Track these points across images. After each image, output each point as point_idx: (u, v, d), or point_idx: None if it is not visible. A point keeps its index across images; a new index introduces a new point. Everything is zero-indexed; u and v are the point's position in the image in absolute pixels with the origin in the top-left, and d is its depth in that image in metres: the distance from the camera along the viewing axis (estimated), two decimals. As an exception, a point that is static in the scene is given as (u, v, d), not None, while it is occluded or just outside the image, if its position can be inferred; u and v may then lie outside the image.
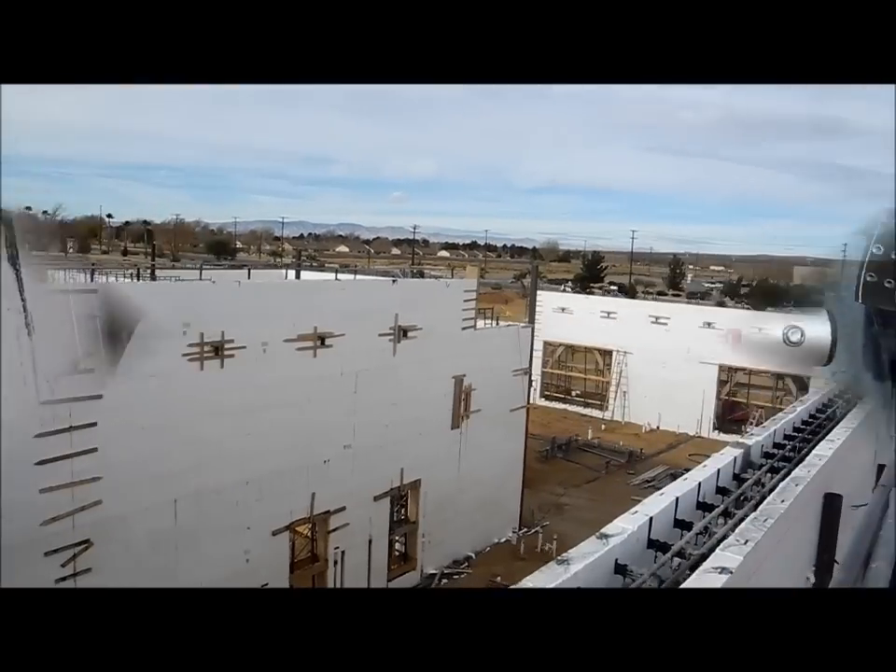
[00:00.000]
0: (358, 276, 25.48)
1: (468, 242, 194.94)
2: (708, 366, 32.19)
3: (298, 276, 24.80)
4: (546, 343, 36.37)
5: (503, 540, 20.14)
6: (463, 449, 18.56)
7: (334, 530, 15.35)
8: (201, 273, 20.46)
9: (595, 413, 35.65)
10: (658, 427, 32.86)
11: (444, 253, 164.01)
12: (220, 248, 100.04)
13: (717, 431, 30.84)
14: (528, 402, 21.66)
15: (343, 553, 15.55)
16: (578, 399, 37.37)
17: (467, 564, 18.55)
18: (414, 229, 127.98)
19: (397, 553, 17.96)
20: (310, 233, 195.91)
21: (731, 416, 32.49)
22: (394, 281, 17.75)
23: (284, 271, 27.90)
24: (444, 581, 17.72)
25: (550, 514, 21.89)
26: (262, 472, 13.52)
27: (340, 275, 23.45)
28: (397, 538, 17.89)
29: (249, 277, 21.38)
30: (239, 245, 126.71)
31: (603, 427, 33.17)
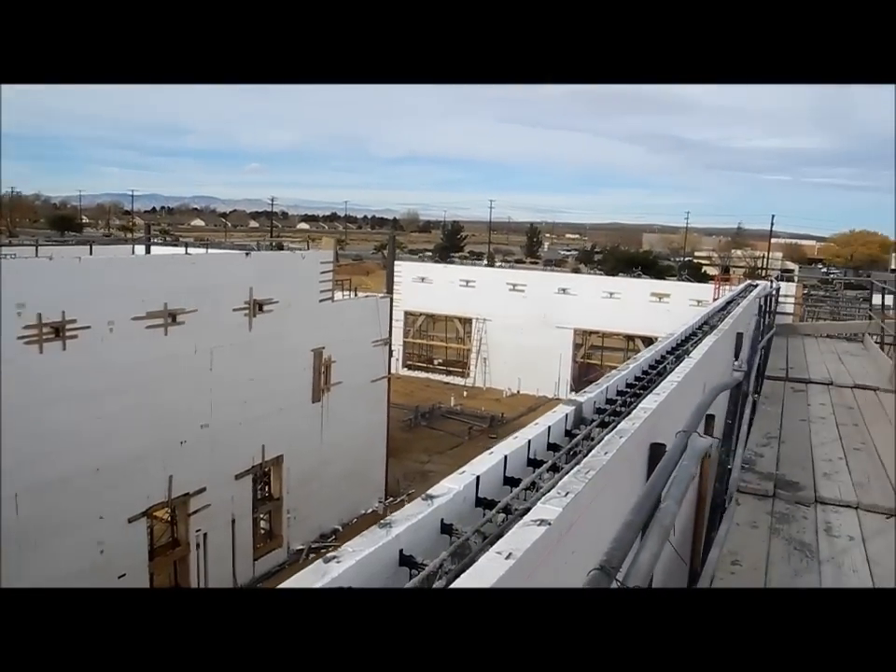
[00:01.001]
0: (211, 250, 24.63)
1: (327, 213, 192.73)
2: (564, 330, 33.38)
3: (148, 251, 23.67)
4: (407, 313, 36.61)
5: (370, 511, 20.22)
6: (325, 422, 18.44)
7: (195, 512, 14.94)
8: (37, 250, 19.18)
9: (458, 380, 36.21)
10: (518, 392, 33.79)
11: (304, 225, 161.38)
12: (64, 223, 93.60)
13: (574, 393, 31.97)
14: (390, 372, 21.74)
15: (205, 535, 15.16)
16: (440, 367, 37.85)
17: (334, 537, 18.52)
18: (272, 201, 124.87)
19: (262, 532, 17.71)
20: (163, 207, 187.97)
21: (587, 378, 33.80)
22: (247, 254, 17.27)
23: (131, 246, 26.59)
24: (312, 555, 17.64)
25: (415, 482, 22.12)
26: (114, 458, 12.94)
27: (192, 249, 22.59)
28: (261, 515, 17.63)
29: (91, 253, 20.21)
30: (85, 219, 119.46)
31: (465, 393, 33.74)
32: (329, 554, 1.93)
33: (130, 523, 13.42)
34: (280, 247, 33.90)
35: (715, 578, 4.71)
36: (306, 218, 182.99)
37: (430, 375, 37.00)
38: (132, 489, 13.39)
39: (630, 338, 33.37)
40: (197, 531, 15.01)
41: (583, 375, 34.02)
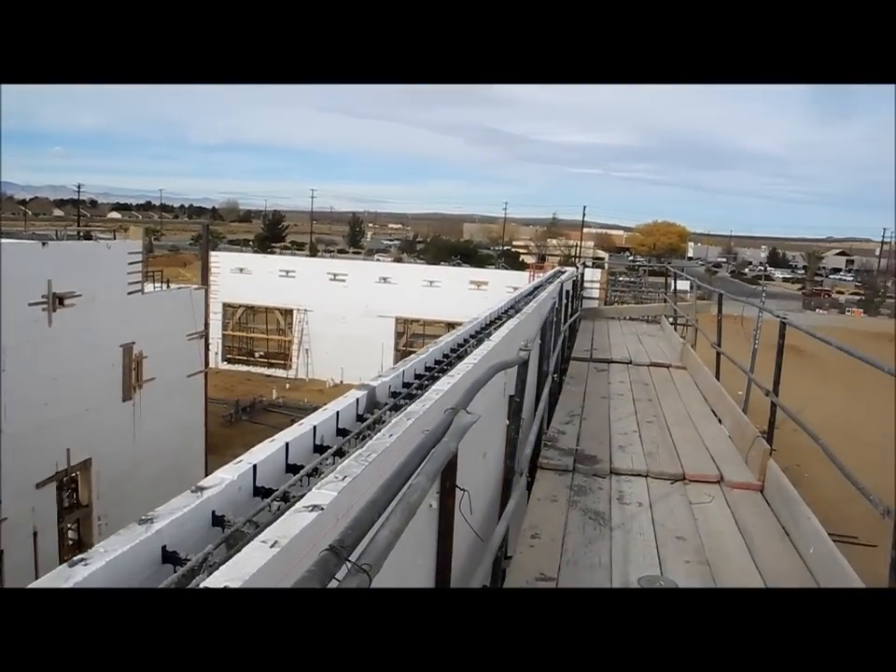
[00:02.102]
0: (4, 240, 22.73)
1: (142, 202, 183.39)
2: (386, 319, 33.61)
3: (-73, 244, 21.52)
4: (226, 305, 35.58)
5: (189, 511, 19.48)
6: (137, 421, 17.54)
7: (-12, 528, 13.78)
8: None
9: (280, 372, 35.65)
10: (342, 382, 33.57)
11: (115, 214, 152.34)
12: None
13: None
14: (207, 366, 21.02)
15: (1, 553, 14.01)
16: (261, 359, 37.08)
17: (150, 540, 17.70)
18: (79, 188, 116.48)
19: (70, 542, 16.61)
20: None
21: (410, 365, 34.22)
22: (44, 244, 16.07)
23: None
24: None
25: (237, 478, 21.52)
26: None
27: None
28: (69, 525, 16.53)
29: None
30: None
31: (287, 385, 33.27)
32: (76, 557, 1.81)
33: None
34: (88, 237, 31.86)
35: (515, 552, 4.91)
36: (118, 207, 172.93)
37: (251, 368, 36.20)
38: None
39: (451, 325, 33.98)
40: (-8, 549, 13.85)
41: (404, 363, 34.41)
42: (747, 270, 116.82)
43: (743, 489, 6.16)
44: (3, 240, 22.05)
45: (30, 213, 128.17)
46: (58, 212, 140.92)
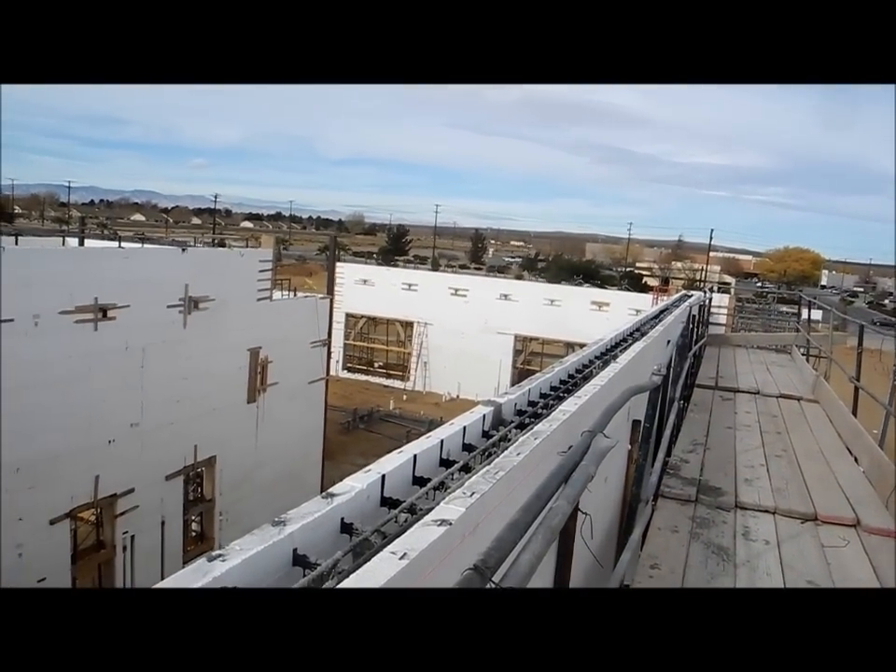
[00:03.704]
0: (148, 245, 24.11)
1: (272, 213, 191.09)
2: (505, 336, 33.54)
3: (81, 244, 23.04)
4: (348, 315, 36.40)
5: (304, 513, 19.94)
6: (260, 423, 18.15)
7: (122, 514, 14.52)
8: (-38, 241, 18.47)
9: (397, 383, 36.11)
10: (458, 396, 33.80)
11: (248, 224, 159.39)
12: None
13: (512, 398, 32.19)
14: (328, 374, 21.54)
15: (132, 537, 14.75)
16: (380, 370, 37.68)
17: (266, 539, 18.21)
18: (216, 198, 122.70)
19: (193, 534, 17.33)
20: (101, 200, 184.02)
21: (526, 384, 34.01)
22: (184, 250, 16.94)
23: (62, 238, 25.84)
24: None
25: (351, 485, 21.87)
26: (36, 457, 12.47)
27: (127, 244, 22.04)
28: (192, 517, 17.26)
29: (17, 243, 19.53)
30: (18, 210, 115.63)
31: (404, 397, 33.67)
32: (213, 552, 1.86)
33: (52, 524, 12.97)
34: (222, 245, 33.42)
35: (634, 581, 4.75)
36: (250, 217, 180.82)
37: (370, 378, 36.84)
38: (55, 489, 12.94)
39: (570, 345, 33.64)
40: (124, 533, 14.59)
41: (523, 380, 34.19)
42: (887, 301, 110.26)
43: (883, 536, 5.75)
44: (149, 245, 23.48)
45: (171, 221, 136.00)
46: (195, 220, 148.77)
